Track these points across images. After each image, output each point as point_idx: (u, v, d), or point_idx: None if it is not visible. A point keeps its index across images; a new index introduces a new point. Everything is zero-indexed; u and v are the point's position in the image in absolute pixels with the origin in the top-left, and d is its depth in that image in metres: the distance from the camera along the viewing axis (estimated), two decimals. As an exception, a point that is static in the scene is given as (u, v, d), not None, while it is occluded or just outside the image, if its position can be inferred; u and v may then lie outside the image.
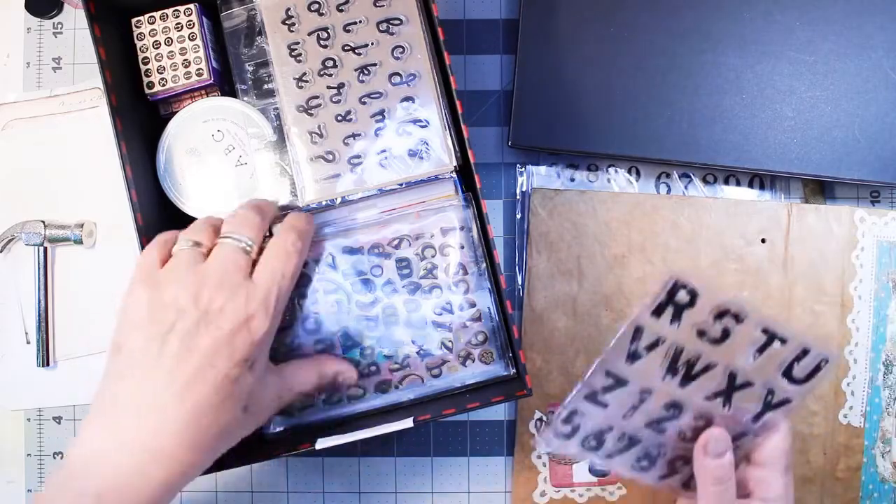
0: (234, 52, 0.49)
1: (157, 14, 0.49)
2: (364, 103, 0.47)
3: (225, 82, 0.51)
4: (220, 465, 0.45)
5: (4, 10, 0.56)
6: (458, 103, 0.45)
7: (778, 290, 0.53)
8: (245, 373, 0.38)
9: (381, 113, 0.47)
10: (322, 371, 0.45)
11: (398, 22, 0.47)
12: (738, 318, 0.36)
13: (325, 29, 0.48)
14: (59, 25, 0.56)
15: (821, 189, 0.56)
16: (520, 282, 0.55)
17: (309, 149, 0.47)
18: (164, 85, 0.49)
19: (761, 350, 0.37)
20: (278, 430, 0.48)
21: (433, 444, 0.55)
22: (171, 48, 0.49)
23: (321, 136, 0.47)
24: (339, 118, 0.47)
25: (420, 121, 0.47)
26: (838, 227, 0.53)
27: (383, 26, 0.47)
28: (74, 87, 0.55)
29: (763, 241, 0.53)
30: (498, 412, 0.54)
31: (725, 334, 0.37)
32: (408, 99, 0.47)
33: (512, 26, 0.56)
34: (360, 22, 0.47)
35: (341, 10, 0.47)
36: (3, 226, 0.54)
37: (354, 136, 0.47)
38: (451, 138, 0.47)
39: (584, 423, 0.39)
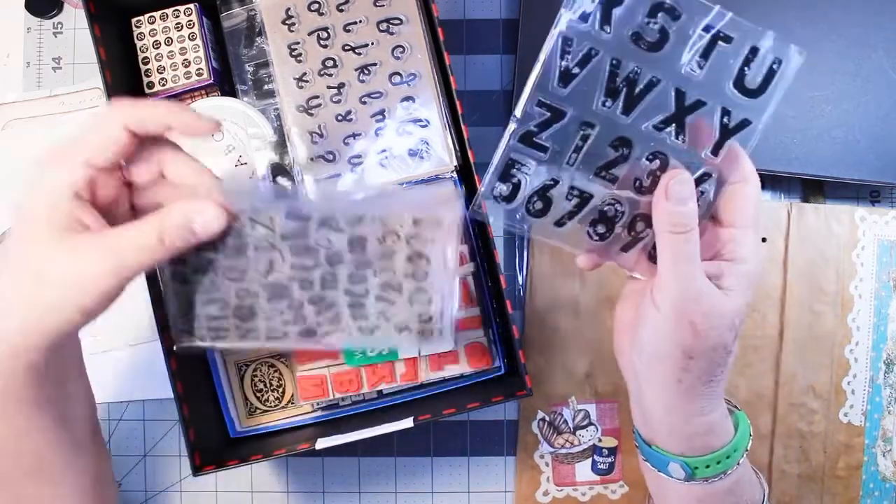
0: (234, 52, 0.49)
1: (157, 14, 0.49)
2: (364, 103, 0.47)
3: (225, 82, 0.51)
4: (221, 464, 0.45)
5: (4, 10, 0.56)
6: (458, 103, 0.45)
7: (778, 290, 0.53)
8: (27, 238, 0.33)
9: (382, 113, 0.47)
10: (164, 228, 0.34)
11: (398, 22, 0.47)
12: (674, 14, 0.33)
13: (325, 29, 0.48)
14: (59, 25, 0.56)
15: (821, 189, 0.56)
16: (520, 282, 0.55)
17: (309, 149, 0.47)
18: (164, 85, 0.49)
19: (706, 54, 0.33)
20: (275, 430, 0.48)
21: (433, 444, 0.55)
22: (171, 48, 0.48)
23: (321, 136, 0.47)
24: (340, 118, 0.47)
25: (420, 120, 0.47)
26: (838, 227, 0.53)
27: (383, 26, 0.47)
28: (74, 87, 0.55)
29: (763, 240, 0.53)
30: (498, 412, 0.54)
31: (664, 36, 0.33)
32: (408, 99, 0.47)
33: (512, 26, 0.56)
34: (360, 22, 0.47)
35: (341, 10, 0.47)
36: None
37: (355, 135, 0.47)
38: (452, 138, 0.47)
39: (524, 178, 0.35)
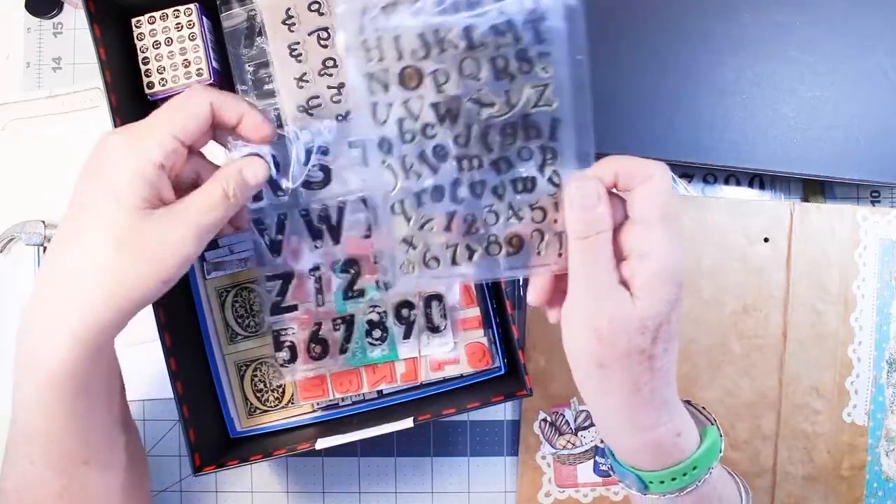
0: (234, 52, 0.49)
1: (157, 14, 0.49)
2: (364, 103, 0.47)
3: (225, 82, 0.51)
4: (221, 464, 0.45)
5: (4, 10, 0.56)
6: (458, 102, 0.45)
7: (781, 290, 0.53)
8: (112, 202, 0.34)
9: (382, 112, 0.47)
10: (226, 183, 0.37)
11: (398, 21, 0.47)
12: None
13: (326, 29, 0.48)
14: (59, 25, 0.56)
15: (821, 189, 0.56)
16: (521, 282, 0.55)
17: (309, 148, 0.47)
18: (164, 85, 0.49)
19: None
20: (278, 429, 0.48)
21: (433, 444, 0.54)
22: (171, 48, 0.48)
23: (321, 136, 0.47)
24: (340, 118, 0.47)
25: (420, 120, 0.47)
26: (840, 226, 0.53)
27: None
28: (74, 87, 0.55)
29: (766, 240, 0.53)
30: (498, 412, 0.54)
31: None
32: (408, 98, 0.47)
33: (512, 26, 0.56)
34: (361, 21, 0.47)
35: (341, 10, 0.48)
36: (3, 226, 0.54)
37: (355, 135, 0.47)
38: (452, 137, 0.47)
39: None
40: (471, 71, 0.33)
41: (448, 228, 0.35)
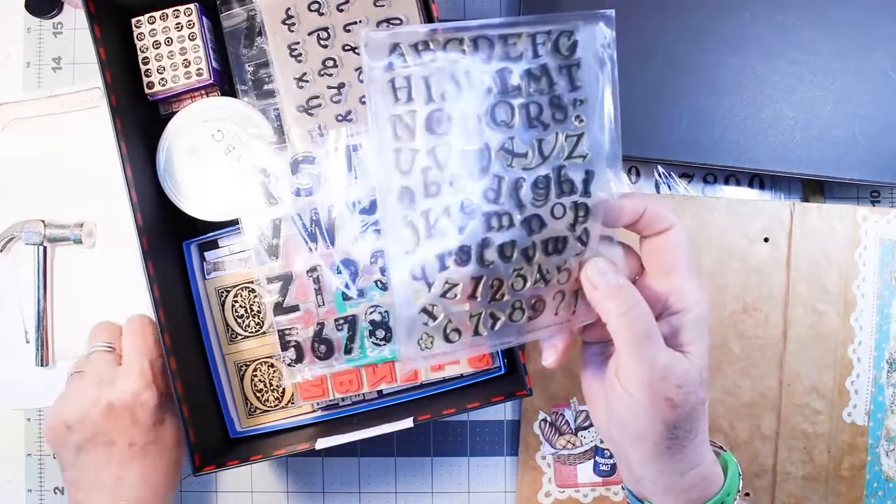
0: (234, 53, 0.49)
1: (157, 14, 0.49)
2: (364, 103, 0.47)
3: (225, 82, 0.51)
4: (221, 464, 0.45)
5: (4, 10, 0.56)
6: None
7: (781, 290, 0.53)
8: (161, 427, 0.45)
9: (382, 112, 0.47)
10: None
11: (398, 22, 0.47)
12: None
13: (326, 29, 0.48)
14: (59, 25, 0.56)
15: (821, 189, 0.56)
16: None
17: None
18: (164, 85, 0.49)
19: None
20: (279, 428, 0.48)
21: (433, 444, 0.54)
22: (171, 48, 0.49)
23: (321, 136, 0.47)
24: (340, 118, 0.47)
25: (420, 120, 0.47)
26: (841, 226, 0.53)
27: (383, 27, 0.47)
28: (74, 87, 0.55)
29: (766, 240, 0.53)
30: (498, 412, 0.54)
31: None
32: (408, 98, 0.47)
33: (512, 26, 0.56)
34: (361, 22, 0.47)
35: (341, 10, 0.48)
36: (3, 225, 0.54)
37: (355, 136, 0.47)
38: (452, 137, 0.47)
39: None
40: (503, 117, 0.31)
41: (473, 296, 0.32)
